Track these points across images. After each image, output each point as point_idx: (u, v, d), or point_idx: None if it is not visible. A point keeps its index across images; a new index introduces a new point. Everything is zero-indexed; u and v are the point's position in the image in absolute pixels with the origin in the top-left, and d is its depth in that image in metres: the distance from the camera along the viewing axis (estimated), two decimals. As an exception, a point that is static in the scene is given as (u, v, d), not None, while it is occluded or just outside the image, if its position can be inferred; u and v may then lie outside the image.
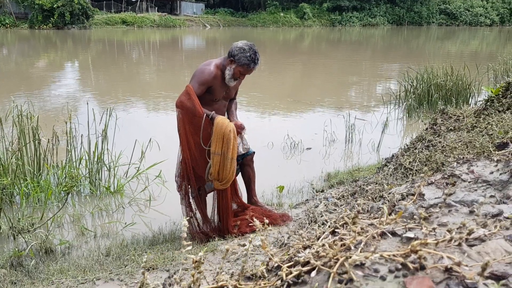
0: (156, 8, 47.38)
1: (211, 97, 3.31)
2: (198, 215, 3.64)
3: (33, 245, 3.39)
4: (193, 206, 3.58)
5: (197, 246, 3.32)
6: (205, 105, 3.23)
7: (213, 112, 3.26)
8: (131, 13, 44.12)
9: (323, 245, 0.84)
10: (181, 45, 29.92)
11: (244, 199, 3.89)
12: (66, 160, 4.69)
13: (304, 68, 17.69)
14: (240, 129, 3.40)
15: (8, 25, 36.49)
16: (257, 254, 2.41)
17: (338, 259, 0.77)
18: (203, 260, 0.91)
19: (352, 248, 0.84)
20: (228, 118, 3.56)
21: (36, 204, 4.29)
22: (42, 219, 3.82)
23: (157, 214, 4.37)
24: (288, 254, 1.03)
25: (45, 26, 36.29)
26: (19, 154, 4.41)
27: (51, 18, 36.28)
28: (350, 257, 0.76)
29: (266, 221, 1.10)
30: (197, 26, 46.14)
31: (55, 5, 35.88)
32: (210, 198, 3.70)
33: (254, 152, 3.79)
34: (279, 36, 38.43)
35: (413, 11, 55.57)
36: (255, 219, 1.16)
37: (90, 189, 4.72)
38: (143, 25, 42.09)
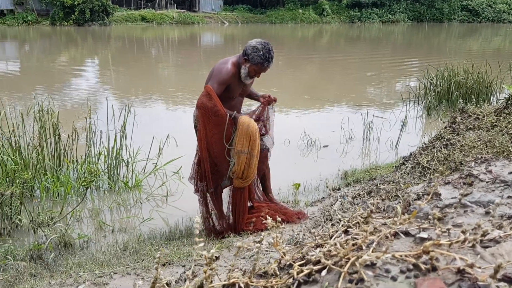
0: (175, 5, 47.57)
1: (229, 94, 3.32)
2: (215, 213, 3.65)
3: (52, 238, 3.45)
4: (210, 205, 3.60)
5: (213, 242, 3.34)
6: (223, 102, 3.24)
7: (235, 112, 3.28)
8: (151, 10, 44.38)
9: (335, 244, 0.84)
10: (199, 42, 30.03)
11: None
12: (85, 156, 4.76)
13: (322, 65, 17.59)
14: (274, 100, 3.52)
15: (31, 22, 37.08)
16: (272, 251, 2.41)
17: (349, 259, 0.77)
18: (218, 256, 0.92)
19: (364, 247, 0.84)
20: (251, 97, 3.65)
21: (56, 198, 4.36)
22: (61, 213, 3.88)
23: (174, 209, 4.41)
24: (301, 253, 1.03)
25: (66, 23, 36.78)
26: (40, 149, 4.50)
27: (72, 15, 36.74)
28: (361, 257, 0.75)
29: (279, 218, 1.11)
30: (215, 23, 46.21)
31: (76, 2, 36.32)
32: (225, 195, 3.72)
33: (269, 149, 3.79)
34: (298, 33, 38.25)
35: (434, 7, 54.65)
36: (268, 217, 1.16)
37: (108, 184, 4.79)
38: (162, 22, 42.31)
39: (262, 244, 0.96)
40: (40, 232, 3.65)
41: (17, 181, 3.57)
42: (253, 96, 3.67)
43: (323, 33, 38.36)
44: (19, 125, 4.59)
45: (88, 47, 24.76)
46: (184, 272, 2.38)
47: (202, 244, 0.90)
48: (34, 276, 3.01)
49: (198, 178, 3.51)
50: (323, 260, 0.79)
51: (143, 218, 4.15)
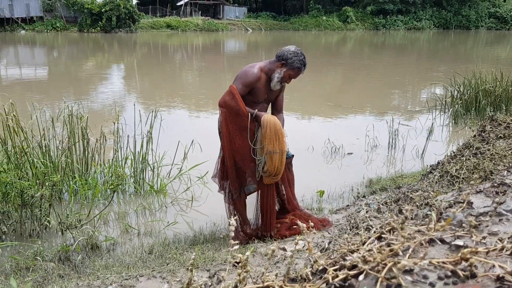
0: (200, 12, 48.18)
1: (253, 99, 3.34)
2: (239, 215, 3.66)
3: (80, 240, 3.52)
4: (235, 205, 3.61)
5: (238, 248, 3.35)
6: (247, 106, 3.27)
7: (256, 110, 3.28)
8: (176, 17, 45.03)
9: (370, 250, 0.84)
10: (223, 49, 30.28)
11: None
12: (112, 159, 4.84)
13: (346, 71, 17.51)
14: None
15: (59, 29, 38.07)
16: (296, 258, 2.41)
17: (386, 264, 0.76)
18: (248, 260, 0.93)
19: (400, 253, 0.83)
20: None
21: (84, 201, 4.45)
22: (89, 215, 3.95)
23: (198, 214, 4.44)
24: (332, 258, 1.03)
25: (93, 30, 37.63)
26: (69, 152, 4.60)
27: (99, 22, 37.57)
28: (399, 263, 0.75)
29: (311, 223, 1.11)
30: (239, 30, 46.56)
31: (103, 10, 37.16)
32: (249, 200, 3.72)
33: (293, 155, 3.79)
34: (321, 40, 38.20)
35: (460, 14, 53.90)
36: (299, 222, 1.16)
37: (134, 188, 4.86)
38: (187, 29, 42.86)
39: (296, 246, 0.96)
40: (68, 234, 3.72)
41: (46, 184, 3.65)
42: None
43: (347, 40, 38.20)
44: (49, 129, 4.71)
45: (115, 53, 25.24)
46: (211, 276, 2.39)
47: (237, 247, 0.91)
48: (62, 277, 3.06)
49: (222, 177, 3.53)
50: (360, 265, 0.79)
51: (168, 222, 4.19)
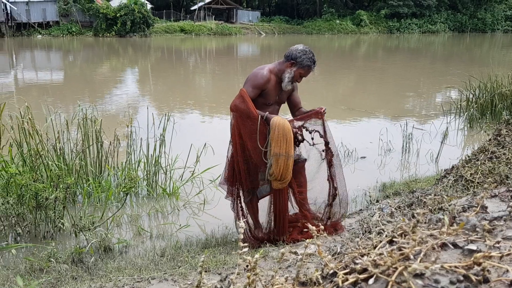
0: (213, 16, 48.41)
1: (264, 101, 3.34)
2: (250, 220, 3.65)
3: (93, 243, 3.55)
4: (245, 211, 3.60)
5: (249, 251, 3.34)
6: (258, 108, 3.26)
7: (267, 112, 3.27)
8: (189, 22, 45.32)
9: (381, 253, 0.83)
10: (236, 52, 30.37)
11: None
12: (126, 162, 4.87)
13: (359, 75, 17.43)
14: (324, 113, 3.38)
15: (74, 33, 38.57)
16: (308, 262, 2.39)
17: (396, 268, 0.75)
18: (257, 262, 0.93)
19: (411, 257, 0.82)
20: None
21: (97, 203, 4.49)
22: (102, 218, 3.98)
23: (210, 217, 4.44)
24: (343, 262, 1.02)
25: (108, 34, 38.05)
26: (83, 155, 4.64)
27: (114, 27, 37.98)
28: (410, 266, 0.74)
29: (322, 227, 1.10)
30: (252, 34, 46.67)
31: (118, 14, 37.56)
32: (261, 204, 3.71)
33: (305, 160, 3.77)
34: (335, 43, 38.10)
35: (476, 17, 53.30)
36: (309, 225, 1.16)
37: (147, 190, 4.88)
38: (201, 33, 43.10)
39: (306, 250, 0.96)
40: (81, 236, 3.75)
41: (61, 186, 3.70)
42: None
43: (360, 43, 38.04)
44: (63, 132, 4.76)
45: (129, 57, 25.47)
46: (222, 280, 2.39)
47: (246, 249, 0.91)
48: (75, 279, 3.09)
49: (229, 183, 3.53)
50: (370, 268, 0.78)
51: (180, 225, 4.20)
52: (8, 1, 36.59)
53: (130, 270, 3.11)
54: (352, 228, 3.67)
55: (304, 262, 2.41)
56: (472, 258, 0.77)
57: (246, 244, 0.92)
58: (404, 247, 0.84)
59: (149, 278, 2.92)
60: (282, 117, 3.30)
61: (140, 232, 4.06)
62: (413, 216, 1.00)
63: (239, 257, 0.89)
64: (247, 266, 0.94)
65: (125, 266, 3.24)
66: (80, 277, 3.13)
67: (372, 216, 3.28)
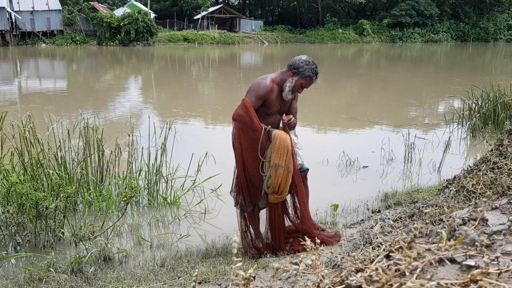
0: (216, 25, 48.67)
1: (266, 110, 3.34)
2: (252, 230, 3.64)
3: (93, 252, 3.53)
4: (248, 220, 3.59)
5: (249, 262, 3.32)
6: (260, 118, 3.26)
7: (269, 126, 3.28)
8: (193, 31, 45.56)
9: (377, 269, 0.82)
10: (239, 61, 30.46)
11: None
12: (127, 171, 4.87)
13: (361, 84, 17.44)
14: (291, 124, 3.39)
15: (79, 42, 38.83)
16: (309, 273, 2.37)
17: (391, 285, 0.74)
18: (254, 276, 0.91)
19: (407, 274, 0.80)
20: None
21: (98, 212, 4.47)
22: (102, 227, 3.97)
23: (211, 227, 4.42)
24: (341, 276, 1.01)
25: (112, 43, 38.28)
26: (84, 164, 4.64)
27: (118, 36, 38.21)
28: (405, 284, 0.73)
29: (318, 240, 1.09)
30: (255, 43, 46.84)
31: (121, 23, 37.81)
32: (263, 214, 3.69)
33: (307, 169, 3.76)
34: (337, 52, 38.19)
35: (478, 27, 53.40)
36: (306, 238, 1.14)
37: (148, 200, 4.87)
38: (204, 42, 43.29)
39: (302, 264, 0.94)
40: (81, 245, 3.74)
41: (61, 195, 3.69)
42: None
43: (363, 52, 38.12)
44: (65, 140, 4.76)
45: (132, 66, 25.59)
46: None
47: (240, 264, 0.89)
48: (74, 288, 3.07)
49: (237, 192, 3.51)
50: (364, 285, 0.77)
51: (180, 235, 4.18)
52: (13, 11, 36.88)
53: (129, 281, 3.09)
54: (354, 239, 3.64)
55: (305, 273, 2.39)
56: (469, 275, 0.76)
57: (240, 259, 0.91)
58: (400, 263, 0.83)
59: (148, 289, 2.90)
60: (283, 131, 3.29)
61: (140, 242, 4.04)
62: (411, 230, 0.98)
63: (232, 272, 0.88)
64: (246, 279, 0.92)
65: (125, 276, 3.22)
66: (79, 287, 3.10)
67: (373, 227, 3.26)
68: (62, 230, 3.78)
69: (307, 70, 3.28)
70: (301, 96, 3.69)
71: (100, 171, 4.84)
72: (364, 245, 2.64)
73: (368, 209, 4.55)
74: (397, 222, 2.77)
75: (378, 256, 0.96)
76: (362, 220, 4.26)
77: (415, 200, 4.21)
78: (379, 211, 4.42)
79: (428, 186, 5.26)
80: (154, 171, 4.88)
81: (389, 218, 3.32)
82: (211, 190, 4.97)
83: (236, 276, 0.84)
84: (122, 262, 3.64)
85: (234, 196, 3.57)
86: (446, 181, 3.51)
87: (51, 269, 3.26)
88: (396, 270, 0.80)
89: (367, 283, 0.78)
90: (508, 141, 3.34)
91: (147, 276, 3.18)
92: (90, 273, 3.29)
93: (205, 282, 2.86)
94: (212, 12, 48.90)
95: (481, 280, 0.73)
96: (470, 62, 28.53)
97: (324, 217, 4.45)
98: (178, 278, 3.07)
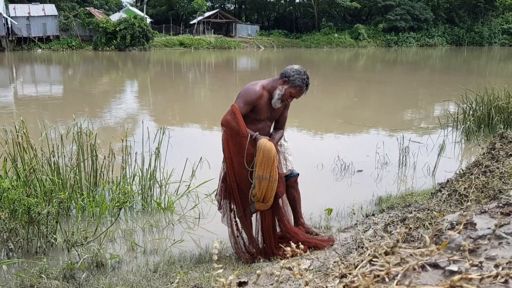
0: (212, 30, 48.78)
1: (256, 116, 3.33)
2: (244, 234, 3.62)
3: (85, 258, 3.50)
4: (239, 225, 3.58)
5: (243, 267, 3.30)
6: (250, 124, 3.26)
7: (257, 133, 3.26)
8: (189, 36, 45.65)
9: (358, 275, 0.81)
10: (235, 66, 30.50)
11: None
12: (120, 176, 4.85)
13: (357, 88, 17.48)
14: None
15: (74, 47, 38.84)
16: (300, 279, 2.36)
17: (370, 291, 0.73)
18: (246, 281, 0.90)
19: (388, 280, 0.80)
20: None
21: (91, 218, 4.45)
22: (95, 233, 3.95)
23: (205, 232, 4.41)
24: (327, 281, 1.00)
25: (108, 48, 38.29)
26: (77, 169, 4.62)
27: (114, 41, 38.23)
28: (382, 290, 0.72)
29: (302, 246, 1.08)
30: (251, 47, 46.95)
31: (117, 28, 37.84)
32: (254, 219, 3.68)
33: (298, 174, 3.76)
34: (333, 57, 38.29)
35: (473, 31, 53.73)
36: (293, 244, 1.14)
37: (142, 205, 4.85)
38: (200, 47, 43.36)
39: (281, 273, 0.93)
40: (73, 251, 3.71)
41: (53, 201, 3.67)
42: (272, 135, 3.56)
43: (358, 57, 38.24)
44: (58, 146, 4.74)
45: (128, 71, 25.57)
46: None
47: (220, 271, 0.88)
48: (66, 295, 3.05)
49: (222, 196, 3.51)
50: (342, 292, 0.76)
51: (174, 240, 4.16)
52: (9, 16, 36.86)
53: (121, 287, 3.07)
54: (347, 243, 3.63)
55: (291, 278, 2.38)
56: (449, 281, 0.75)
57: (220, 266, 0.90)
58: (381, 269, 0.83)
59: (140, 295, 2.88)
60: (269, 140, 3.27)
61: (133, 247, 4.02)
62: (395, 234, 0.98)
63: (212, 279, 0.87)
64: (241, 283, 0.91)
65: (117, 282, 3.19)
66: (71, 293, 3.08)
67: (366, 231, 3.26)
68: (54, 236, 3.76)
69: (297, 80, 3.27)
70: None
71: (94, 176, 4.82)
72: (356, 249, 2.63)
73: (353, 213, 4.55)
74: (390, 226, 2.77)
75: (362, 261, 0.95)
76: (356, 224, 4.26)
77: (409, 204, 4.21)
78: (373, 215, 4.42)
79: (422, 189, 5.26)
80: (148, 176, 4.86)
81: (381, 223, 3.31)
82: (205, 195, 4.96)
83: (216, 283, 0.84)
84: (115, 268, 3.62)
85: (218, 199, 3.57)
86: (439, 184, 3.51)
87: (43, 276, 3.23)
88: (375, 276, 0.80)
89: (349, 288, 0.78)
90: (500, 145, 3.34)
91: (140, 282, 3.16)
92: (82, 279, 3.27)
93: (198, 288, 2.84)
94: (208, 17, 49.00)
95: (460, 286, 0.72)
96: (465, 66, 28.66)
97: (318, 221, 4.44)
98: (171, 283, 3.06)
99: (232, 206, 3.48)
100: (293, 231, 3.52)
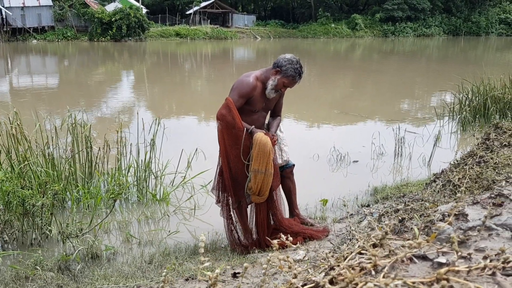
0: (209, 20, 48.47)
1: (251, 108, 3.31)
2: (239, 226, 3.63)
3: (80, 250, 3.50)
4: (234, 218, 3.58)
5: (237, 258, 3.31)
6: (244, 115, 3.24)
7: (253, 126, 3.25)
8: (185, 26, 45.36)
9: (345, 267, 0.81)
10: (232, 57, 30.36)
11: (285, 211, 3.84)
12: (115, 168, 4.83)
13: (353, 79, 17.44)
14: (275, 143, 3.38)
15: (70, 38, 38.55)
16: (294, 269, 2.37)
17: (356, 284, 0.73)
18: (240, 272, 0.90)
19: (375, 272, 0.79)
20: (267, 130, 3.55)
21: (86, 210, 4.44)
22: (90, 224, 3.94)
23: (201, 223, 4.41)
24: (319, 273, 1.00)
25: (103, 39, 38.02)
26: (72, 161, 4.60)
27: (109, 31, 37.96)
28: (367, 283, 0.72)
29: (290, 238, 1.08)
30: (247, 38, 46.72)
31: (113, 19, 37.56)
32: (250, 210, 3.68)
33: (293, 165, 3.75)
34: (330, 47, 38.16)
35: (470, 21, 53.59)
36: (282, 236, 1.13)
37: (137, 196, 4.84)
38: (196, 37, 43.10)
39: (268, 266, 0.93)
40: (68, 243, 3.71)
41: (48, 192, 3.65)
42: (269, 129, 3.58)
43: (355, 47, 38.12)
44: (53, 137, 4.72)
45: (124, 61, 25.43)
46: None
47: (207, 264, 0.88)
48: (61, 287, 3.05)
49: (220, 189, 3.50)
50: (327, 285, 0.76)
51: (169, 231, 4.16)
52: (3, 6, 36.52)
53: (116, 278, 3.07)
54: (342, 233, 3.64)
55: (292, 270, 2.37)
56: (436, 273, 0.75)
57: (207, 259, 0.90)
58: (367, 262, 0.82)
59: (135, 286, 2.88)
60: (266, 134, 3.25)
61: (128, 239, 4.02)
62: (384, 226, 0.97)
63: (199, 272, 0.86)
64: (236, 274, 0.91)
65: (112, 273, 3.20)
66: (66, 285, 3.08)
67: (361, 222, 3.26)
68: (49, 227, 3.75)
69: (289, 70, 3.23)
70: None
71: (89, 168, 4.80)
72: (350, 240, 2.64)
73: (344, 205, 4.55)
74: (384, 217, 2.78)
75: (351, 253, 0.95)
76: (352, 214, 4.27)
77: (403, 194, 4.22)
78: (368, 205, 4.43)
79: (418, 180, 5.27)
80: (143, 168, 4.85)
81: (378, 212, 3.32)
82: (201, 186, 4.96)
83: (202, 276, 0.83)
84: (110, 259, 3.62)
85: (215, 194, 3.56)
86: (434, 175, 3.52)
87: (38, 267, 3.23)
88: (362, 269, 0.79)
89: (336, 281, 0.77)
90: (495, 135, 3.34)
91: (135, 273, 3.16)
92: (77, 271, 3.27)
93: (192, 279, 2.84)
94: (205, 7, 48.66)
95: (446, 279, 0.72)
96: (462, 56, 28.62)
97: (314, 211, 4.45)
98: (166, 274, 3.05)
99: (228, 199, 3.48)
100: (286, 224, 3.52)
